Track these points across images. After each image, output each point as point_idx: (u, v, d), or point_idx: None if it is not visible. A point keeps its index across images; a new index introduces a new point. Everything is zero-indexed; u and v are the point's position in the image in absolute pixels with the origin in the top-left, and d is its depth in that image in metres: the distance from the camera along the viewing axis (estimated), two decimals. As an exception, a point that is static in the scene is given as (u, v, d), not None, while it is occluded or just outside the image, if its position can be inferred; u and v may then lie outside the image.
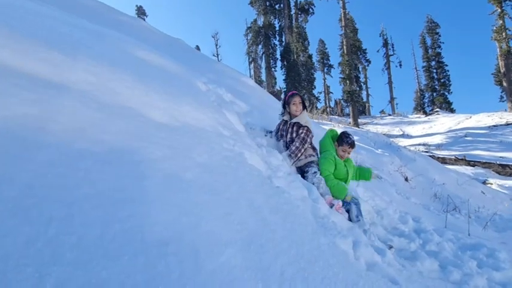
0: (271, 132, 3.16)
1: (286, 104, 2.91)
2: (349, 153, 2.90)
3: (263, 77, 31.43)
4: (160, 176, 1.06)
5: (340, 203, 2.33)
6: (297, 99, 2.85)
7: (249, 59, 31.96)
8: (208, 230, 0.90)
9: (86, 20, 2.97)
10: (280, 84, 30.66)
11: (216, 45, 33.85)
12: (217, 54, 33.52)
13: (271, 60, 30.79)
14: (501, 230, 5.91)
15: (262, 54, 31.13)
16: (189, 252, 0.76)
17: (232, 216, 1.06)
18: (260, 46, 31.11)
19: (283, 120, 2.92)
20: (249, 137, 2.70)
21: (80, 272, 0.57)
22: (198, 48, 36.84)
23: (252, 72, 31.82)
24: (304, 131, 2.79)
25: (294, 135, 2.82)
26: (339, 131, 3.09)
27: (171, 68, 2.99)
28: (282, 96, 3.79)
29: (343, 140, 2.88)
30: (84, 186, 0.80)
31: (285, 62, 30.47)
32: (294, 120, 2.82)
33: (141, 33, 5.96)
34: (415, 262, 2.07)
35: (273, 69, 30.69)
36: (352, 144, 2.86)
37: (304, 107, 2.92)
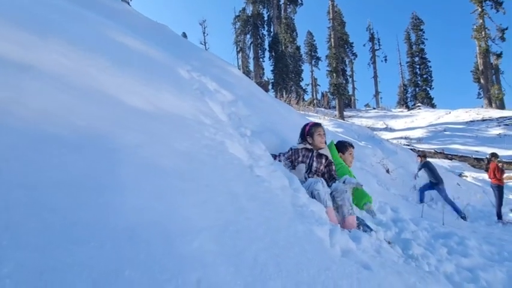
0: (276, 155, 2.72)
1: (308, 135, 2.64)
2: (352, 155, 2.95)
3: (251, 67, 31.16)
4: (136, 163, 1.04)
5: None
6: (322, 130, 2.65)
7: (237, 48, 31.51)
8: (183, 217, 0.90)
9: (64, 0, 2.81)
10: (268, 75, 30.49)
11: (204, 33, 33.02)
12: (205, 43, 32.75)
13: (260, 51, 30.51)
14: (473, 219, 6.27)
15: (250, 44, 30.77)
16: (160, 238, 0.76)
17: (209, 203, 1.06)
18: (248, 36, 30.72)
19: (303, 147, 2.62)
20: (231, 126, 2.69)
21: (41, 256, 0.55)
22: (184, 35, 35.85)
23: (240, 62, 31.45)
24: (334, 169, 2.62)
25: (322, 167, 2.58)
26: (326, 123, 3.15)
27: (153, 55, 2.91)
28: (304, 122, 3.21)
29: (344, 145, 2.94)
30: (51, 172, 0.78)
31: (273, 53, 30.27)
32: (321, 152, 2.59)
33: (124, 17, 5.71)
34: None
35: (261, 59, 30.46)
36: (351, 144, 2.91)
37: None
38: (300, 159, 2.57)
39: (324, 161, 2.58)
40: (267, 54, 30.86)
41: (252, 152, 2.36)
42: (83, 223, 0.69)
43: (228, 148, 1.89)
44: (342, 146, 2.92)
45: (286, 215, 1.38)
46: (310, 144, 2.58)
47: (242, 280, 0.76)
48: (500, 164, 6.31)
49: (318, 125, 2.66)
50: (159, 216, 0.85)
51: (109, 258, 0.64)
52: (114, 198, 0.82)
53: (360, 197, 2.82)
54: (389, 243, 2.21)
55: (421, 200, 6.44)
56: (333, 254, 1.26)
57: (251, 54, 30.77)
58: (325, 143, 2.70)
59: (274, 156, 2.56)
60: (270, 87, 24.97)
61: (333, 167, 2.62)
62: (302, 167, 2.53)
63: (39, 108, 0.99)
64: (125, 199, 0.84)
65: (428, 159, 7.23)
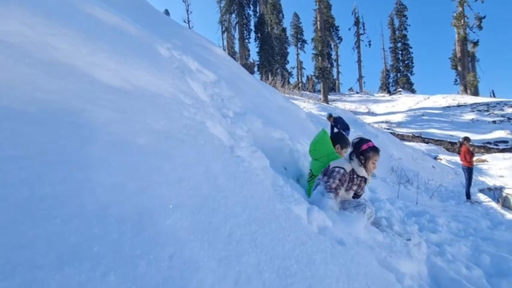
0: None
1: (362, 155, 2.23)
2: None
3: (236, 48, 30.33)
4: (106, 140, 0.98)
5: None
6: (378, 159, 2.28)
7: (222, 28, 30.45)
8: (157, 195, 0.87)
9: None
10: (254, 56, 29.94)
11: (187, 10, 31.53)
12: (188, 21, 31.35)
13: (245, 31, 29.67)
14: (445, 199, 6.66)
15: (235, 24, 29.79)
16: (132, 215, 0.73)
17: (185, 181, 1.03)
18: (234, 15, 29.66)
19: (349, 171, 2.21)
20: (213, 107, 2.63)
21: (3, 233, 0.52)
22: (167, 12, 34.10)
23: (225, 43, 30.53)
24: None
25: (361, 192, 2.36)
26: (310, 106, 3.09)
27: (128, 30, 2.74)
28: (350, 140, 2.67)
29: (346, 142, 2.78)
30: (9, 148, 0.72)
31: (259, 34, 29.57)
32: (364, 175, 2.27)
33: (97, -12, 5.30)
34: (365, 227, 2.25)
35: (246, 40, 29.69)
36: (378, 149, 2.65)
37: None
38: (354, 188, 2.27)
39: (362, 185, 2.35)
40: (252, 35, 30.13)
41: (233, 133, 2.33)
42: (46, 199, 0.65)
43: (209, 128, 1.85)
44: (343, 142, 2.73)
45: (265, 194, 1.38)
46: (361, 164, 2.23)
47: (216, 255, 0.76)
48: (471, 148, 6.65)
49: (377, 151, 2.25)
50: (131, 193, 0.82)
51: (76, 234, 0.62)
52: (81, 174, 0.78)
53: None
54: (408, 240, 2.17)
55: None
56: (310, 230, 1.29)
57: (236, 35, 29.87)
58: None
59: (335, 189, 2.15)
60: (255, 69, 24.56)
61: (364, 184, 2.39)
62: (351, 194, 2.29)
63: (-4, 80, 0.91)
64: (94, 176, 0.80)
65: (339, 117, 7.93)
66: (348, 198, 2.26)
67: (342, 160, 2.28)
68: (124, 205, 0.76)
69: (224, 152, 1.64)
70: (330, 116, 7.91)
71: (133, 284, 0.56)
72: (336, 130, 7.57)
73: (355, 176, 2.22)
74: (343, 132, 4.52)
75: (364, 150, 2.21)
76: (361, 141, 2.29)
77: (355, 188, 2.25)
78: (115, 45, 1.90)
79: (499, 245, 2.95)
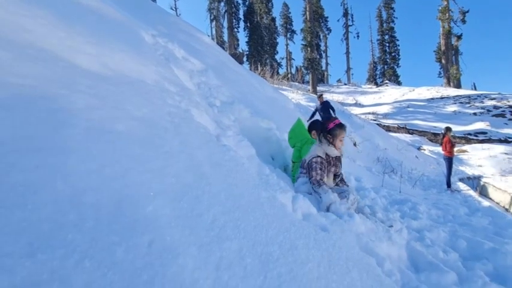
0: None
1: (329, 134, 2.24)
2: None
3: (225, 37, 29.77)
4: (83, 126, 0.95)
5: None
6: (344, 135, 2.30)
7: (210, 16, 29.71)
8: (137, 182, 0.85)
9: None
10: (243, 46, 29.48)
11: (174, -4, 30.46)
12: (176, 8, 30.36)
13: (234, 20, 29.10)
14: (426, 188, 6.90)
15: (224, 13, 29.12)
16: (109, 202, 0.71)
17: (167, 169, 1.02)
18: (222, 3, 28.96)
19: (323, 155, 2.20)
20: (200, 95, 2.58)
21: None
22: (152, -2, 32.91)
23: (214, 32, 29.88)
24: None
25: (339, 170, 2.38)
26: (299, 97, 3.08)
27: (110, 14, 2.62)
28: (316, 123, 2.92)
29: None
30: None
31: (248, 23, 29.10)
32: (337, 154, 2.29)
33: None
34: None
35: (235, 29, 29.15)
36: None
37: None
38: (332, 169, 2.29)
39: (339, 164, 2.37)
40: (241, 24, 29.60)
41: (220, 122, 2.31)
42: (16, 187, 0.62)
43: (194, 116, 1.82)
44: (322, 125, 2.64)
45: (250, 182, 1.38)
46: (330, 143, 2.24)
47: (198, 241, 0.75)
48: (452, 138, 6.88)
49: (342, 127, 2.26)
50: (109, 180, 0.80)
51: (49, 221, 0.59)
52: (56, 161, 0.75)
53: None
54: (390, 226, 2.20)
55: None
56: (294, 217, 1.31)
57: (225, 24, 29.27)
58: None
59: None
60: (244, 59, 24.27)
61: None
62: (331, 176, 2.30)
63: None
64: (69, 162, 0.77)
65: (327, 100, 8.23)
66: (330, 184, 2.29)
67: (313, 148, 2.30)
68: (101, 192, 0.74)
69: (209, 141, 1.62)
70: (320, 96, 8.18)
71: (109, 270, 0.55)
72: (316, 115, 7.87)
73: (331, 158, 2.26)
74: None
75: (331, 129, 2.25)
76: (327, 120, 2.34)
77: (333, 169, 2.29)
78: (94, 29, 1.81)
79: (475, 230, 3.10)
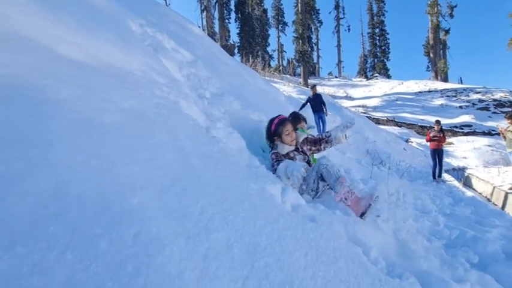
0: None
1: (275, 136, 2.15)
2: None
3: (216, 29, 29.24)
4: (68, 118, 0.92)
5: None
6: (289, 127, 2.15)
7: (201, 6, 29.07)
8: (123, 174, 0.84)
9: None
10: (234, 37, 29.11)
11: (163, -14, 29.57)
12: (165, -3, 29.50)
13: (225, 11, 28.57)
14: (413, 179, 7.09)
15: (215, 3, 28.52)
16: (93, 194, 0.70)
17: (155, 161, 1.00)
18: (213, -7, 28.32)
19: (279, 153, 2.11)
20: (189, 87, 2.55)
21: None
22: (139, -13, 31.86)
23: (204, 23, 29.28)
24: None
25: (308, 150, 2.32)
26: (290, 90, 3.01)
27: (95, 2, 2.53)
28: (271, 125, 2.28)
29: (298, 118, 2.63)
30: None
31: (240, 15, 28.66)
32: (291, 149, 2.17)
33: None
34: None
35: (226, 20, 28.67)
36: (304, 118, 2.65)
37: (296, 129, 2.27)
38: (298, 158, 2.19)
39: (306, 148, 2.31)
40: (233, 15, 29.12)
41: (210, 114, 2.28)
42: (-5, 179, 0.61)
43: (183, 108, 1.80)
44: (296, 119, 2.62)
45: (239, 174, 1.38)
46: (281, 142, 2.15)
47: (185, 232, 0.76)
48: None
49: (283, 123, 2.16)
50: (94, 172, 0.78)
51: (30, 213, 0.58)
52: (38, 153, 0.73)
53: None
54: (378, 216, 2.12)
55: None
56: (283, 209, 1.32)
57: (216, 15, 28.69)
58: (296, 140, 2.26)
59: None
60: (235, 51, 23.97)
61: (309, 146, 2.36)
62: (300, 158, 2.19)
63: None
64: (52, 154, 0.76)
65: (320, 93, 8.21)
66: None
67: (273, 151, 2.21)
68: (86, 184, 0.73)
69: (199, 133, 1.61)
70: (313, 86, 8.21)
71: (92, 262, 0.55)
72: (306, 105, 7.97)
73: (290, 154, 2.15)
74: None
75: (274, 131, 2.16)
76: (269, 123, 2.24)
77: (300, 158, 2.19)
78: (80, 18, 1.75)
79: (458, 219, 3.22)
